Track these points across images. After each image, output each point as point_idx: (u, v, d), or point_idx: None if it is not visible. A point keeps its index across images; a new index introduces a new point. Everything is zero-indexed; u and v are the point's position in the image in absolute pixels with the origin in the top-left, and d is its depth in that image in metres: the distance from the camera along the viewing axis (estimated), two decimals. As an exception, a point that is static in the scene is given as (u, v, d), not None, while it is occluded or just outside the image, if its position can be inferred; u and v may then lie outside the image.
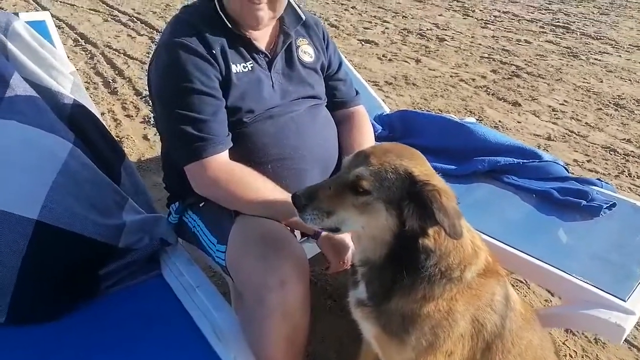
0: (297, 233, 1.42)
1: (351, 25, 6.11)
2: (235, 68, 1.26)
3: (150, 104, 3.50)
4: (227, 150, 1.25)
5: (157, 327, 1.26)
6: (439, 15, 6.87)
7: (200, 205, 1.35)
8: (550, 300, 1.98)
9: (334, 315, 1.85)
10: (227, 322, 1.24)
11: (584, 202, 1.75)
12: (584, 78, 4.53)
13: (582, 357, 1.75)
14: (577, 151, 3.20)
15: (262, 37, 1.35)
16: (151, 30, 5.32)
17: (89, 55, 4.50)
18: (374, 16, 6.62)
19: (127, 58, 4.45)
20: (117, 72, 4.14)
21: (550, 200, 1.81)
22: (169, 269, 1.43)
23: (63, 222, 1.35)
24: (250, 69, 1.29)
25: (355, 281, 1.11)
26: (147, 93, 3.62)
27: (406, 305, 1.01)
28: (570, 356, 1.75)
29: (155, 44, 1.33)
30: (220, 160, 1.22)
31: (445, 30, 6.08)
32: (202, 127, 1.19)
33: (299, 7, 1.42)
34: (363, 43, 5.39)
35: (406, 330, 1.02)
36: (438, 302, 1.00)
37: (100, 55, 4.48)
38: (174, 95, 1.21)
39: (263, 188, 1.22)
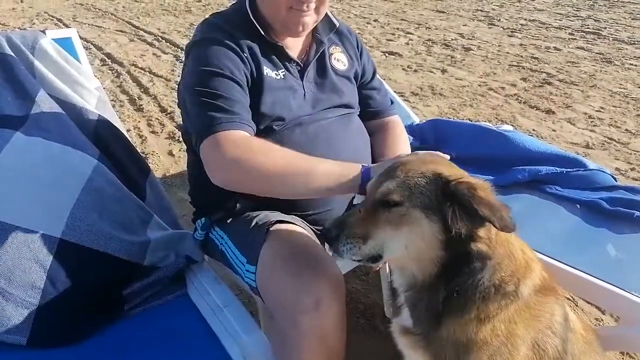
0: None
1: (374, 37, 6.07)
2: (268, 72, 1.21)
3: (179, 115, 3.51)
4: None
5: (183, 349, 1.19)
6: (463, 25, 6.78)
7: (228, 221, 1.29)
8: (602, 319, 1.83)
9: (367, 334, 1.75)
10: (257, 345, 1.17)
11: (637, 213, 1.62)
12: (620, 84, 4.35)
13: (641, 382, 1.61)
14: (618, 159, 3.03)
15: (294, 46, 1.30)
16: (176, 48, 5.39)
17: (116, 74, 4.57)
18: (397, 28, 6.57)
19: (152, 76, 4.50)
20: (142, 89, 4.19)
21: (599, 211, 1.68)
22: (195, 287, 1.37)
23: (87, 240, 1.31)
24: (282, 76, 1.24)
25: (398, 307, 1.01)
26: (172, 110, 3.66)
27: (459, 329, 0.91)
28: (628, 381, 1.61)
29: (183, 54, 1.28)
30: (239, 134, 1.08)
31: (471, 39, 5.97)
32: (227, 103, 1.10)
33: (332, 14, 1.37)
34: (387, 55, 5.33)
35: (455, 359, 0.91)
36: (495, 325, 0.90)
37: (127, 74, 4.55)
38: (200, 78, 1.14)
39: (291, 154, 1.07)
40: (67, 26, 6.35)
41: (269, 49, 1.24)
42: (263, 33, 1.22)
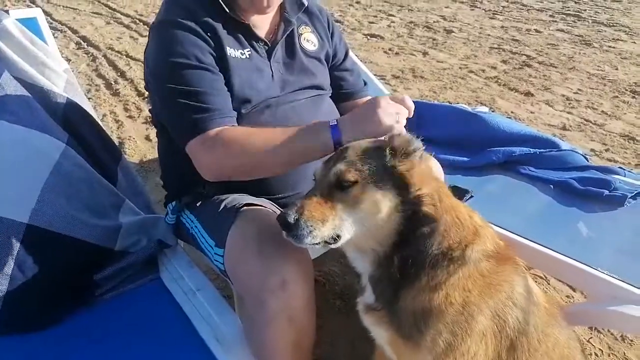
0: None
1: (356, 20, 6.02)
2: (232, 52, 1.19)
3: (147, 96, 3.43)
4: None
5: (156, 334, 1.20)
6: (445, 7, 6.76)
7: (198, 204, 1.28)
8: (572, 296, 1.88)
9: (343, 315, 1.77)
10: (230, 328, 1.18)
11: (606, 192, 1.66)
12: (598, 66, 4.40)
13: (609, 356, 1.65)
14: (594, 140, 3.08)
15: (261, 24, 1.27)
16: (154, 31, 5.27)
17: (91, 57, 4.47)
18: (379, 10, 6.53)
19: (129, 59, 4.41)
20: (119, 73, 4.10)
21: (570, 191, 1.72)
22: (168, 272, 1.37)
23: (55, 225, 1.29)
24: (247, 56, 1.21)
25: (362, 287, 1.03)
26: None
27: (413, 298, 0.93)
28: (596, 355, 1.65)
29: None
30: (219, 131, 1.10)
31: (453, 22, 5.97)
32: (202, 99, 1.10)
33: None
34: (369, 37, 5.30)
35: (419, 330, 0.93)
36: (448, 293, 0.92)
37: (103, 58, 4.45)
38: (169, 71, 1.12)
39: (272, 133, 1.08)
40: (40, 8, 6.16)
41: (235, 27, 1.21)
42: (228, 10, 1.19)
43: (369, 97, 1.50)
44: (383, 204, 0.90)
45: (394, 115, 1.02)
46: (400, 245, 0.92)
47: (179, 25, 1.14)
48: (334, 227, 0.90)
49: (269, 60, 1.26)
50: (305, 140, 1.04)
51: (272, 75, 1.25)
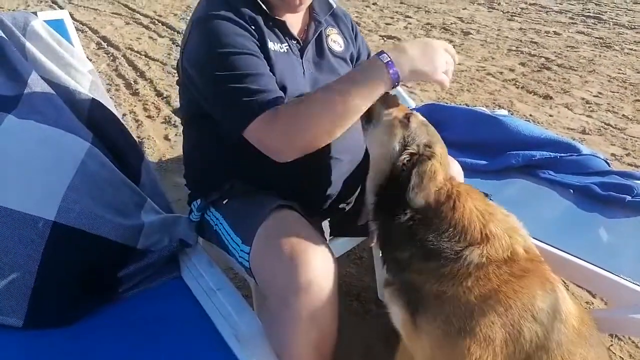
0: (325, 226, 1.37)
1: (372, 21, 6.02)
2: (273, 46, 1.20)
3: (175, 99, 3.47)
4: None
5: (177, 331, 1.21)
6: (462, 9, 6.71)
7: (224, 202, 1.30)
8: (592, 303, 1.86)
9: (359, 317, 1.77)
10: (250, 327, 1.19)
11: (628, 198, 1.64)
12: (619, 69, 4.33)
13: (629, 364, 1.63)
14: (614, 145, 3.04)
15: (295, 23, 1.30)
16: (172, 32, 5.33)
17: (111, 57, 4.53)
18: (396, 12, 6.51)
19: (148, 60, 4.47)
20: (138, 73, 4.16)
21: (591, 196, 1.70)
22: (188, 270, 1.38)
23: (80, 223, 1.31)
24: (285, 50, 1.24)
25: (382, 258, 1.10)
26: (168, 94, 3.63)
27: (414, 277, 1.00)
28: (616, 363, 1.63)
29: (187, 27, 1.26)
30: (276, 109, 1.09)
31: (470, 24, 5.92)
32: (254, 80, 1.09)
33: None
34: (385, 39, 5.29)
35: (416, 309, 0.99)
36: (442, 282, 0.96)
37: (122, 58, 4.51)
38: (217, 62, 1.11)
39: (322, 96, 1.09)
40: (61, 8, 6.27)
41: (272, 23, 1.23)
42: (265, 8, 1.21)
43: None
44: (387, 137, 1.08)
45: (445, 65, 1.08)
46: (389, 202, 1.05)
47: (221, 17, 1.14)
48: (369, 122, 1.15)
49: (301, 59, 1.28)
50: (364, 87, 1.05)
51: (304, 73, 1.27)
